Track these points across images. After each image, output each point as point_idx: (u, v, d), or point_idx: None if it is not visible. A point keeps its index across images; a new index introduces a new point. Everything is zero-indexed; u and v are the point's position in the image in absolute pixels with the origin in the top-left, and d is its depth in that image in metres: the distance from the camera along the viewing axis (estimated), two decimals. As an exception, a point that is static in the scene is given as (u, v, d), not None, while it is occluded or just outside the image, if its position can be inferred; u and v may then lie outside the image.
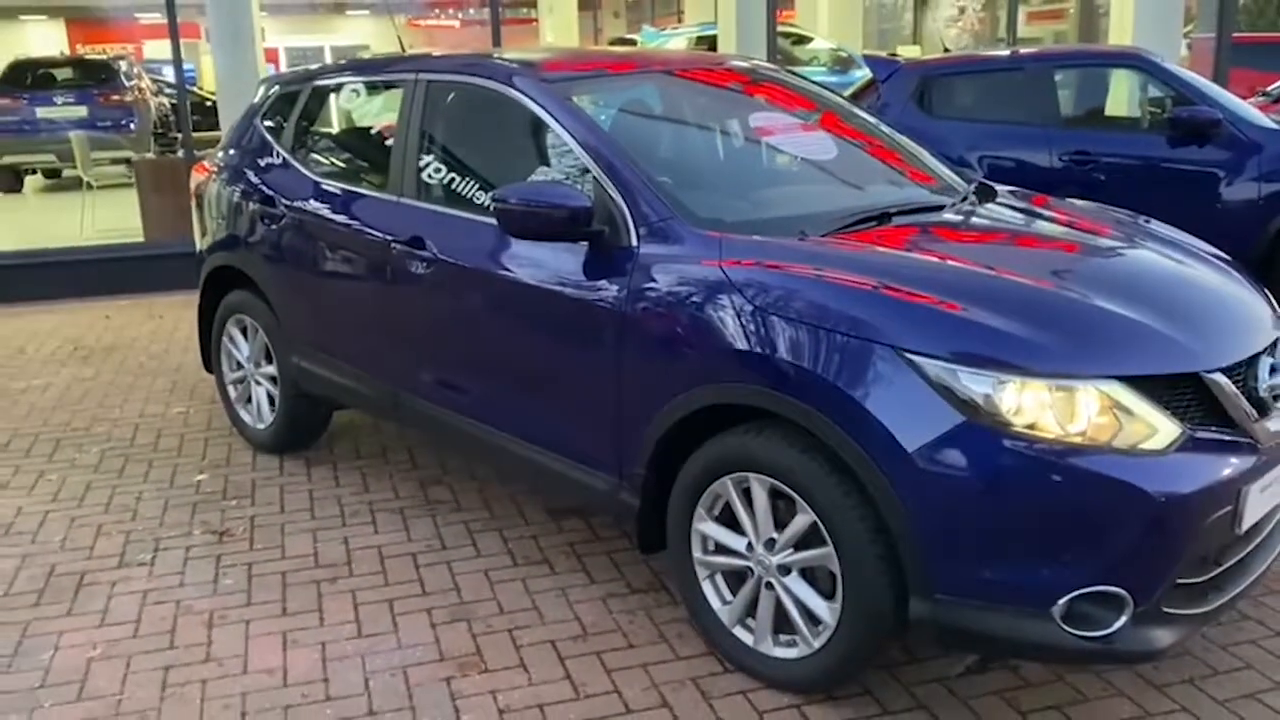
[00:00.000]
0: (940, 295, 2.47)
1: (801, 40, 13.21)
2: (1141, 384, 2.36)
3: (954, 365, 2.33)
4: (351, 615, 3.15)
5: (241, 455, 4.45)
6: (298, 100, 4.27)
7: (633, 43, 12.81)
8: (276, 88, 4.45)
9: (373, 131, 4.08)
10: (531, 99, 3.24)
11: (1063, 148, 6.20)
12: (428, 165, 3.55)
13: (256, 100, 4.51)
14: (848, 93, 7.25)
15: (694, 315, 2.72)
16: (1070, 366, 2.34)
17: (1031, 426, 2.30)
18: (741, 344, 2.61)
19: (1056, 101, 6.35)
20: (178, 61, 7.66)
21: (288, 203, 4.02)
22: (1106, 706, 2.66)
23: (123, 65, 13.80)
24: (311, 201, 3.94)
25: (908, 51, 12.51)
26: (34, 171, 13.46)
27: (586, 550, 3.51)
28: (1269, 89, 10.61)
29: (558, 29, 14.74)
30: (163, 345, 6.21)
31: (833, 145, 3.48)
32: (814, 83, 4.13)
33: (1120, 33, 9.86)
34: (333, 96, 4.25)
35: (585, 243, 2.96)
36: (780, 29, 14.05)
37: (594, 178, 3.00)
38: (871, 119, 3.95)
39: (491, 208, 3.04)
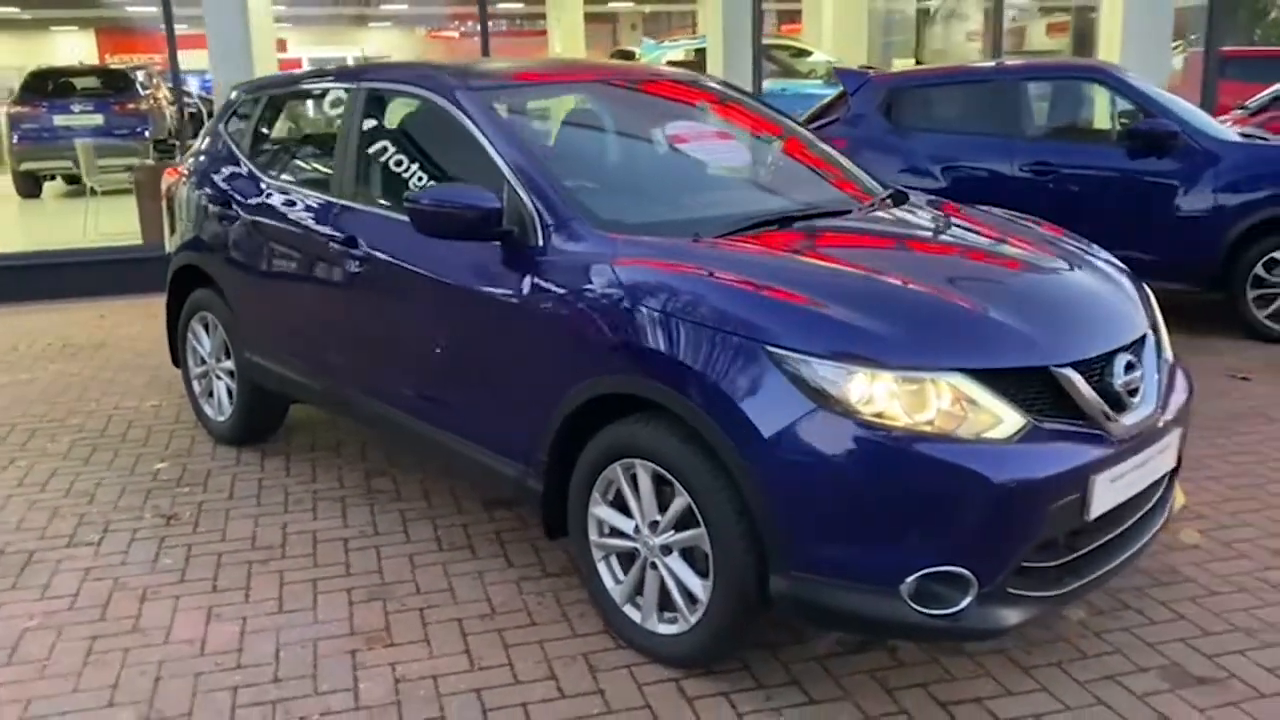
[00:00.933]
0: (798, 291, 2.62)
1: (801, 53, 13.37)
2: (988, 376, 2.50)
3: (806, 357, 2.48)
4: (276, 593, 3.33)
5: (202, 446, 4.65)
6: (256, 107, 4.48)
7: (632, 55, 13.02)
8: (239, 94, 4.66)
9: (319, 137, 4.28)
10: (456, 106, 3.42)
11: (1024, 159, 6.32)
12: (363, 168, 3.74)
13: (221, 106, 4.73)
14: (819, 105, 7.42)
15: (586, 310, 2.88)
16: (917, 359, 2.49)
17: (879, 415, 2.45)
18: (625, 337, 2.77)
19: (1019, 114, 6.46)
20: (174, 69, 7.92)
21: (242, 204, 4.23)
22: (971, 685, 2.78)
23: (140, 75, 14.15)
24: (262, 203, 4.14)
25: (904, 65, 12.63)
26: (53, 177, 13.80)
27: (512, 538, 3.67)
28: (1248, 102, 10.66)
29: (565, 40, 14.96)
30: (148, 344, 6.43)
31: (747, 153, 3.64)
32: (758, 99, 4.30)
33: (1110, 47, 9.98)
34: (288, 104, 4.45)
35: (497, 242, 3.13)
36: (780, 42, 14.29)
37: (507, 180, 3.17)
38: (801, 130, 4.10)
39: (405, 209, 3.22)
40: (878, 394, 2.45)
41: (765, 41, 13.97)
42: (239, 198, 4.27)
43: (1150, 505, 2.94)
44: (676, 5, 22.62)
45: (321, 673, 2.89)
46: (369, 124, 3.77)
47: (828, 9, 15.58)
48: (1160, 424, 2.79)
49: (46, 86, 13.54)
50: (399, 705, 2.74)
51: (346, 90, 3.91)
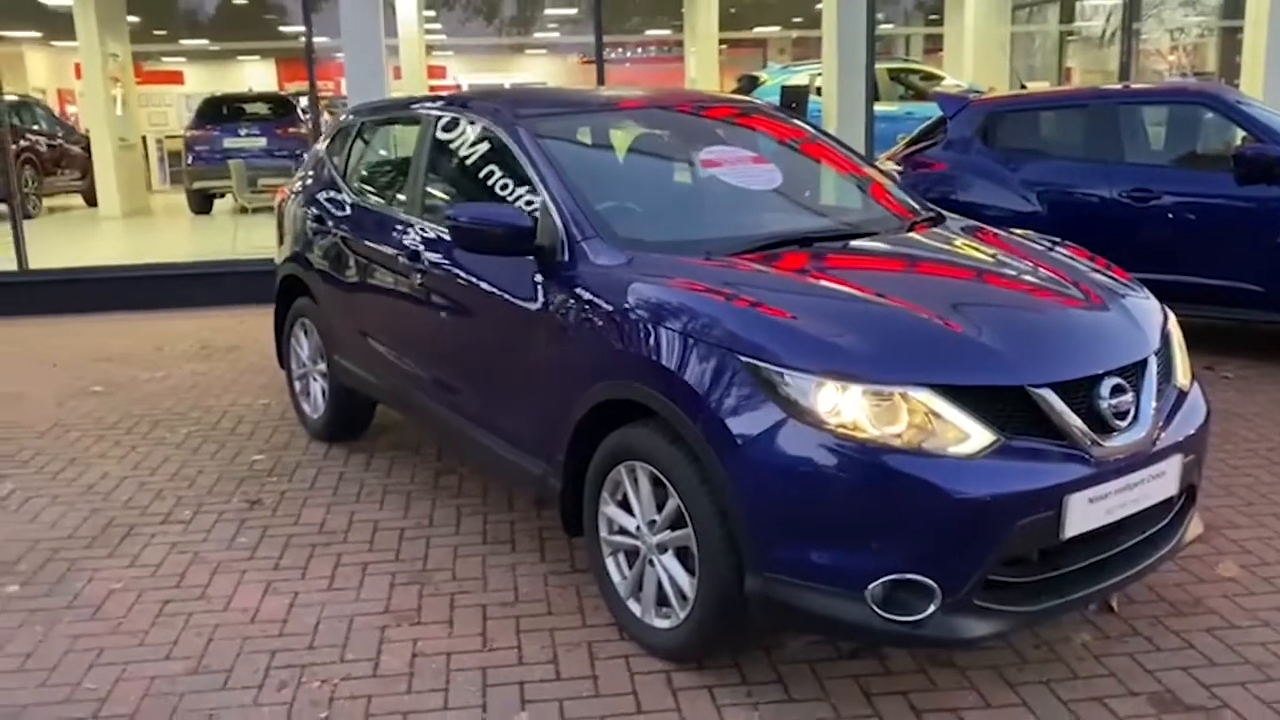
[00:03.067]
0: (780, 308, 2.77)
1: (931, 77, 13.26)
2: (957, 393, 2.58)
3: (779, 368, 2.62)
4: (329, 573, 3.66)
5: (298, 441, 5.07)
6: (352, 131, 4.89)
7: (757, 79, 13.21)
8: (345, 119, 5.09)
9: (396, 159, 4.64)
10: (507, 131, 3.71)
11: (1124, 185, 6.19)
12: (428, 187, 4.07)
13: (325, 131, 5.17)
14: (920, 129, 7.43)
15: (599, 320, 3.10)
16: (886, 374, 2.59)
17: (847, 426, 2.56)
18: (627, 346, 2.98)
19: (1119, 138, 6.32)
20: (313, 97, 8.55)
21: (332, 220, 4.63)
22: (952, 696, 2.85)
23: (303, 101, 15.18)
24: (346, 218, 4.53)
25: (1035, 87, 12.35)
26: (222, 195, 14.93)
27: (551, 535, 3.90)
28: None
29: (701, 67, 15.27)
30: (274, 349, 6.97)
31: (780, 177, 3.78)
32: (807, 123, 4.44)
33: (1253, 69, 9.58)
34: (377, 129, 4.85)
35: (531, 257, 3.38)
36: (910, 67, 14.20)
37: (542, 199, 3.43)
38: (850, 153, 4.22)
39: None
40: (846, 406, 2.57)
41: (896, 67, 14.00)
42: (331, 213, 4.68)
43: (1153, 531, 2.93)
44: (820, 31, 22.70)
45: (350, 644, 3.18)
46: (436, 147, 4.10)
47: (969, 35, 15.39)
48: (1155, 449, 2.79)
49: (218, 112, 14.69)
50: (410, 676, 3.00)
51: (421, 117, 4.25)
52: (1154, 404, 2.85)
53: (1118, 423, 2.73)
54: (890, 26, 20.59)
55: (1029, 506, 2.57)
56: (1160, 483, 2.84)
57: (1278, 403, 5.31)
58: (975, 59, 15.07)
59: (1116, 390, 2.73)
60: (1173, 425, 2.90)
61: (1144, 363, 2.88)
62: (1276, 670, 2.93)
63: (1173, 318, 3.23)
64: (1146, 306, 3.16)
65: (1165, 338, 3.09)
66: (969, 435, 2.56)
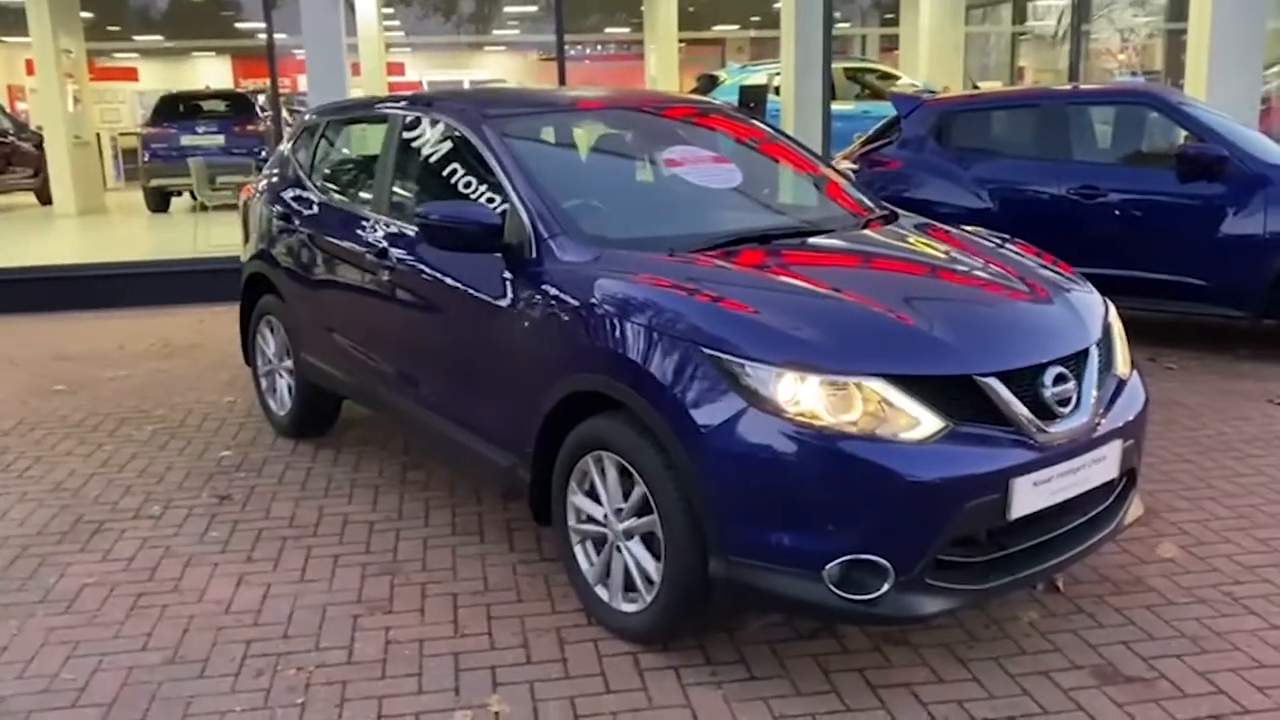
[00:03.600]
0: (741, 301, 2.88)
1: (887, 77, 13.48)
2: (909, 382, 2.71)
3: (740, 359, 2.74)
4: (301, 565, 3.73)
5: (264, 438, 5.12)
6: (317, 131, 4.94)
7: (716, 78, 13.35)
8: (310, 118, 5.14)
9: (363, 158, 4.71)
10: (474, 131, 3.79)
11: (1072, 182, 6.38)
12: (395, 186, 4.15)
13: (291, 129, 5.21)
14: (876, 128, 7.60)
15: (566, 315, 3.20)
16: (841, 364, 2.72)
17: (805, 414, 2.69)
18: (594, 339, 3.08)
19: (1067, 137, 6.53)
20: (274, 95, 8.56)
21: (298, 217, 4.69)
22: (906, 672, 2.98)
23: (260, 99, 15.10)
24: (312, 216, 4.59)
25: (987, 87, 12.63)
26: (180, 193, 14.81)
27: (519, 526, 3.99)
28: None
29: (660, 65, 15.41)
30: (237, 346, 6.93)
31: (740, 176, 3.90)
32: (765, 123, 4.57)
33: (1196, 70, 9.84)
34: (343, 128, 4.91)
35: (499, 254, 3.47)
36: (867, 66, 14.42)
37: (509, 198, 3.52)
38: (808, 153, 4.35)
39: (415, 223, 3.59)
40: (804, 395, 2.69)
41: (853, 66, 14.21)
42: (297, 212, 4.74)
43: (1096, 512, 3.09)
44: (779, 31, 22.92)
45: (325, 633, 3.25)
46: (403, 146, 4.18)
47: (924, 35, 15.64)
48: (1095, 434, 2.94)
49: (175, 109, 14.58)
50: (384, 663, 3.08)
51: (388, 116, 4.32)
52: (1095, 392, 3.00)
53: (1060, 410, 2.87)
54: (847, 26, 20.86)
55: (977, 489, 2.71)
56: (1101, 466, 2.99)
57: (1219, 392, 5.52)
58: (930, 59, 15.33)
59: (1059, 379, 2.88)
60: (1113, 412, 3.05)
61: (1085, 353, 3.03)
62: (1210, 643, 3.09)
63: (1114, 310, 3.39)
64: (1088, 300, 3.31)
65: (1106, 329, 3.24)
66: (920, 422, 2.69)
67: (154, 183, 14.25)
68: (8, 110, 17.90)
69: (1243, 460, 4.54)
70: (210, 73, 24.60)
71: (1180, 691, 2.86)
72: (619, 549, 3.12)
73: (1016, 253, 3.60)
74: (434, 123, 4.05)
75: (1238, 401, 5.36)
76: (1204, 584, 3.45)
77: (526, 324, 3.35)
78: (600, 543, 3.21)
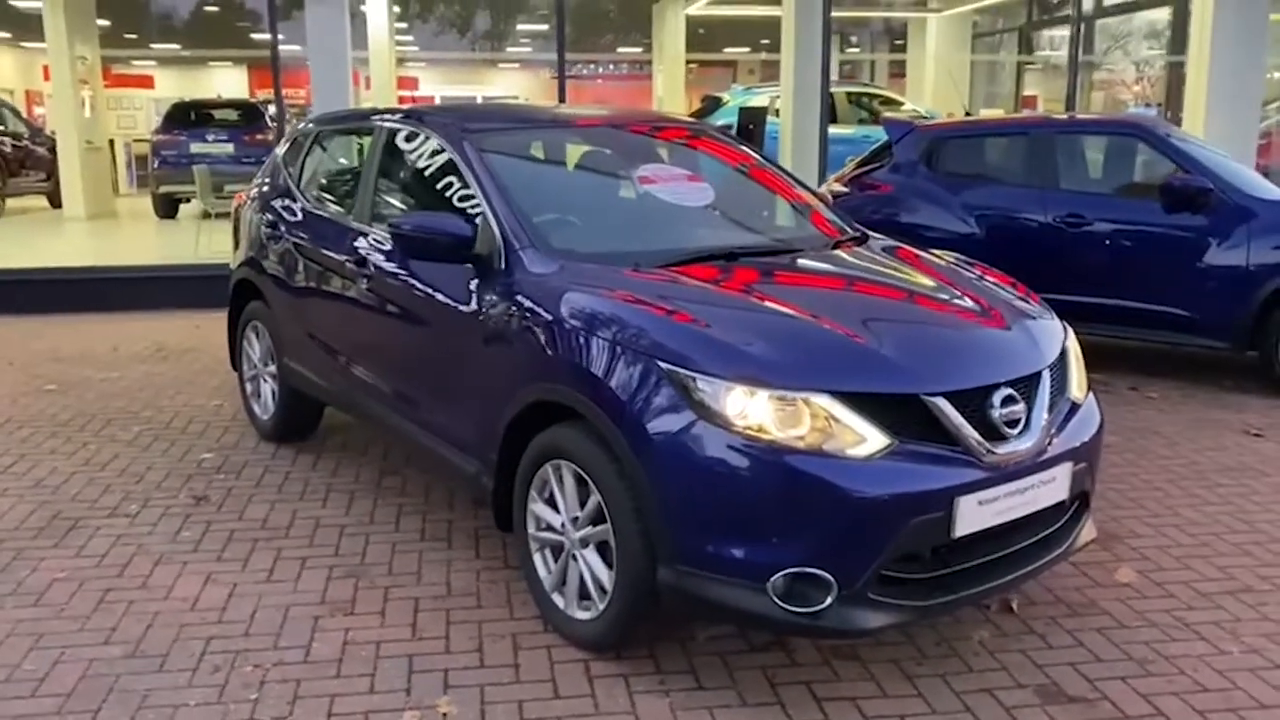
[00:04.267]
0: (696, 316, 2.94)
1: (890, 102, 13.58)
2: (855, 399, 2.76)
3: (691, 373, 2.80)
4: (269, 566, 3.78)
5: (247, 441, 5.19)
6: (308, 140, 5.03)
7: (720, 100, 13.46)
8: (302, 127, 5.23)
9: (348, 168, 4.80)
10: (450, 144, 3.87)
11: (1058, 210, 6.44)
12: (377, 196, 4.23)
13: (284, 138, 5.30)
14: (868, 152, 7.66)
15: (530, 325, 3.26)
16: (789, 380, 2.77)
17: (753, 428, 2.74)
18: (554, 350, 3.14)
19: (1055, 166, 6.58)
20: (280, 105, 8.68)
21: (284, 225, 4.77)
22: (852, 687, 3.01)
23: (270, 108, 15.25)
24: (298, 224, 4.67)
25: (989, 114, 12.68)
26: (188, 200, 14.95)
27: (487, 533, 4.04)
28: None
29: (667, 85, 15.53)
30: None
31: (713, 195, 3.96)
32: (749, 146, 4.64)
33: (1195, 104, 9.90)
34: (331, 138, 5.00)
35: (470, 265, 3.54)
36: (871, 91, 14.51)
37: (482, 209, 3.59)
38: (786, 176, 4.42)
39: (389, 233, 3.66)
40: (753, 410, 2.74)
41: (855, 90, 14.30)
42: (284, 219, 4.82)
43: (1045, 534, 3.12)
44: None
45: (285, 632, 3.31)
46: (387, 158, 4.26)
47: (929, 62, 15.75)
48: (1044, 456, 2.99)
49: (186, 117, 14.75)
50: (340, 662, 3.13)
51: (374, 128, 4.41)
52: (1046, 414, 3.04)
53: (1009, 430, 2.92)
54: (856, 51, 21.01)
55: (920, 506, 2.75)
56: (1050, 488, 3.02)
57: (1197, 423, 5.55)
58: (936, 85, 15.42)
59: (1008, 400, 2.92)
60: (1064, 434, 3.09)
61: (1037, 376, 3.08)
62: (1156, 666, 3.12)
63: (1072, 335, 3.43)
64: (1046, 325, 3.35)
65: (1063, 354, 3.28)
66: (865, 438, 2.74)
67: (163, 189, 14.41)
68: (23, 115, 18.13)
69: (1211, 489, 4.56)
70: (226, 82, 24.82)
71: (1121, 713, 2.89)
72: (574, 557, 3.17)
73: (979, 277, 3.65)
74: (418, 135, 4.13)
75: (1215, 431, 5.39)
76: (1158, 609, 3.48)
77: (492, 333, 3.41)
78: (558, 551, 3.26)
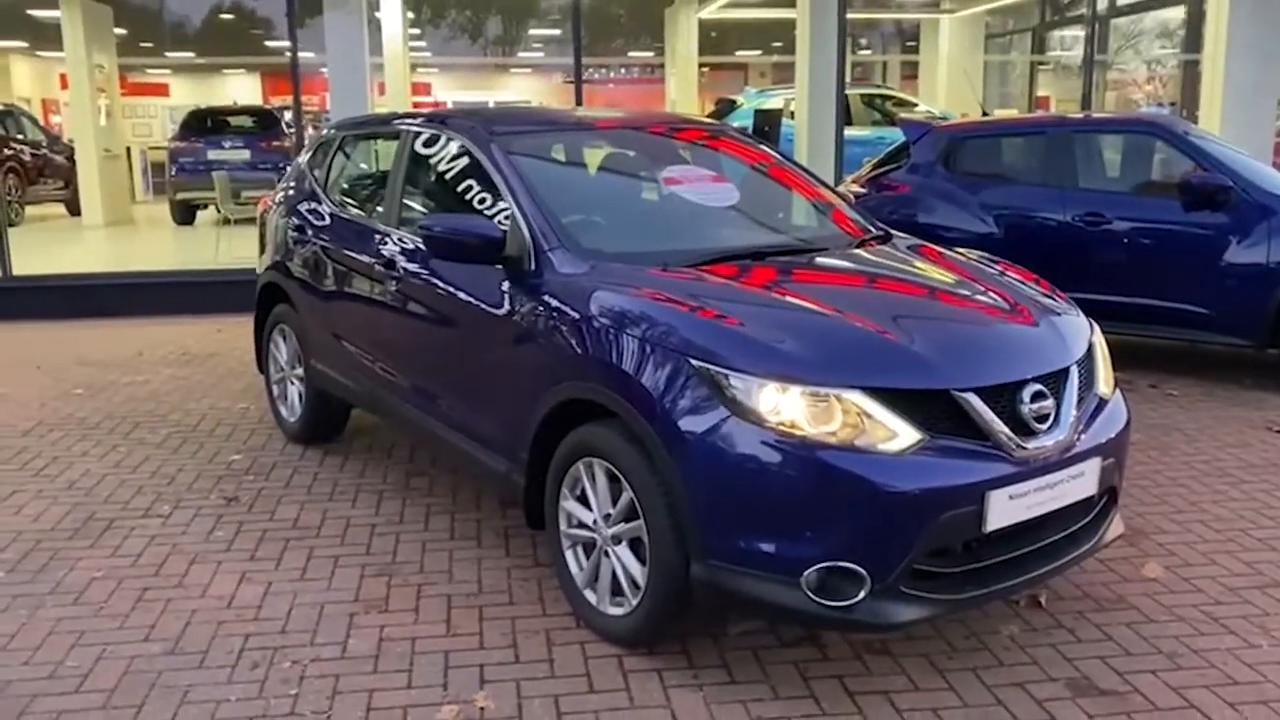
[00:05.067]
0: (728, 314, 2.98)
1: (904, 104, 13.59)
2: (887, 395, 2.79)
3: (725, 370, 2.83)
4: (302, 564, 3.83)
5: (275, 443, 5.24)
6: (333, 145, 5.09)
7: (734, 103, 13.49)
8: (327, 133, 5.28)
9: (374, 172, 4.85)
10: (480, 148, 3.92)
11: (1077, 209, 6.45)
12: (405, 199, 4.27)
13: (308, 144, 5.36)
14: (885, 153, 7.69)
15: (561, 325, 3.30)
16: (823, 376, 2.80)
17: (786, 424, 2.77)
18: (587, 349, 3.18)
19: (1073, 165, 6.59)
20: (298, 112, 8.75)
21: (311, 229, 4.82)
22: (884, 680, 3.04)
23: (286, 115, 15.35)
24: (325, 228, 4.73)
25: (1003, 114, 12.67)
26: (205, 206, 15.06)
27: (516, 532, 4.08)
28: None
29: (680, 89, 15.58)
30: (253, 354, 7.13)
31: (738, 195, 4.00)
32: (770, 147, 4.68)
33: (1211, 101, 9.89)
34: (357, 143, 5.05)
35: (500, 266, 3.58)
36: (884, 93, 14.53)
37: (511, 211, 3.63)
38: (809, 176, 4.46)
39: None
40: (786, 406, 2.78)
41: (869, 92, 14.32)
42: (311, 224, 4.87)
43: (1074, 528, 3.15)
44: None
45: (321, 629, 3.35)
46: (414, 162, 4.31)
47: (943, 63, 15.76)
48: (1073, 451, 3.01)
49: (203, 124, 14.86)
50: (377, 659, 3.17)
51: (400, 133, 4.46)
52: (1074, 410, 3.06)
53: (1038, 426, 2.94)
54: (869, 53, 21.01)
55: (952, 501, 2.78)
56: (1079, 483, 3.05)
57: (1218, 420, 5.55)
58: (949, 86, 15.43)
59: (1037, 396, 2.95)
60: (1092, 429, 3.12)
61: (1065, 371, 3.10)
62: (1185, 660, 3.14)
63: (1098, 332, 3.46)
64: (1073, 321, 3.38)
65: (1090, 350, 3.31)
66: (897, 434, 2.77)
67: (180, 196, 14.53)
68: (41, 123, 18.28)
69: (1236, 485, 4.58)
70: (240, 89, 24.97)
71: (1153, 705, 2.91)
72: (607, 553, 3.20)
73: (1004, 274, 3.68)
74: (445, 139, 4.18)
75: (1238, 429, 5.40)
76: (1185, 603, 3.50)
77: (523, 333, 3.45)
78: (590, 547, 3.30)
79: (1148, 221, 6.32)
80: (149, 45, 20.60)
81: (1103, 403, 3.23)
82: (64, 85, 16.39)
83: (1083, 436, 3.06)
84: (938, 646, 3.22)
